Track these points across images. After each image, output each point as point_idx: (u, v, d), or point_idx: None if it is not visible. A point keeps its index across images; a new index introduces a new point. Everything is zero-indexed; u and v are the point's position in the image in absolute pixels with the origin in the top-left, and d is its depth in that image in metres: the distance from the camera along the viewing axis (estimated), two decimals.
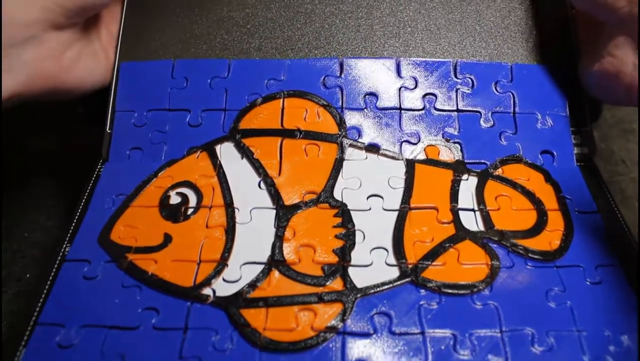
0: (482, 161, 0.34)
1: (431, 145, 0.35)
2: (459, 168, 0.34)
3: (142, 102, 0.36)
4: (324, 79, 0.36)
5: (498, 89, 0.36)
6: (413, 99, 0.36)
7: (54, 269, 0.30)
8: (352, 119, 0.35)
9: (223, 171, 0.33)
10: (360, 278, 0.29)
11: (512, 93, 0.36)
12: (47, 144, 0.45)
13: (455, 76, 0.36)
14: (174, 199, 0.32)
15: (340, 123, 0.35)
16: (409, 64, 0.37)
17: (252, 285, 0.29)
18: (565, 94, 0.36)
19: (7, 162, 0.43)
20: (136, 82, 0.37)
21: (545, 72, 0.37)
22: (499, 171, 0.34)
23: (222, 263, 0.29)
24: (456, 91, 0.36)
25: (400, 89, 0.36)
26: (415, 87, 0.36)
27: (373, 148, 0.34)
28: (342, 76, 0.36)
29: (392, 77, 0.36)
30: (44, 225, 0.40)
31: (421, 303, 0.28)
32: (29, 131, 0.45)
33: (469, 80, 0.36)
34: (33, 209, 0.40)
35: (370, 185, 0.33)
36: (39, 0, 0.31)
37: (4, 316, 0.34)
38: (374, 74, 0.36)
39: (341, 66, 0.37)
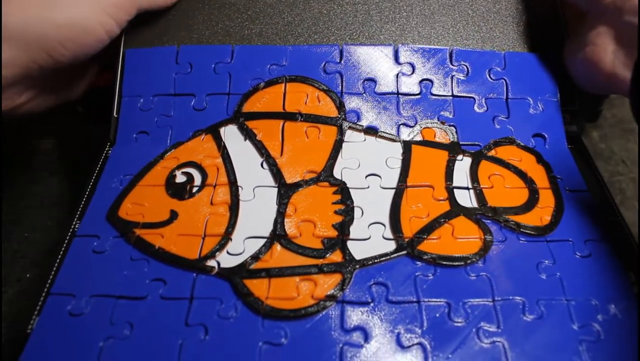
0: (477, 142, 0.35)
1: (427, 127, 0.36)
2: (454, 149, 0.35)
3: (147, 88, 0.37)
4: (324, 65, 0.37)
5: (492, 76, 0.37)
6: (410, 85, 0.37)
7: (64, 244, 0.31)
8: (351, 103, 0.36)
9: (227, 152, 0.35)
10: (358, 250, 0.30)
11: (505, 80, 0.37)
12: (47, 144, 0.45)
13: (451, 63, 0.38)
14: (180, 178, 0.34)
15: (340, 107, 0.36)
16: (407, 50, 0.38)
17: (255, 257, 0.30)
18: (556, 81, 0.38)
19: (7, 162, 0.43)
20: (141, 68, 0.38)
21: (536, 60, 0.38)
22: (492, 152, 0.35)
23: (226, 237, 0.31)
24: (451, 78, 0.37)
25: (398, 74, 0.37)
26: (413, 73, 0.37)
27: (371, 131, 0.36)
28: (342, 62, 0.37)
29: (390, 64, 0.38)
30: (44, 225, 0.40)
31: (417, 274, 0.29)
32: (29, 131, 0.45)
33: (464, 67, 0.38)
34: (33, 209, 0.41)
35: (368, 165, 0.34)
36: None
37: (4, 317, 0.34)
38: (373, 61, 0.38)
39: (341, 52, 0.38)
